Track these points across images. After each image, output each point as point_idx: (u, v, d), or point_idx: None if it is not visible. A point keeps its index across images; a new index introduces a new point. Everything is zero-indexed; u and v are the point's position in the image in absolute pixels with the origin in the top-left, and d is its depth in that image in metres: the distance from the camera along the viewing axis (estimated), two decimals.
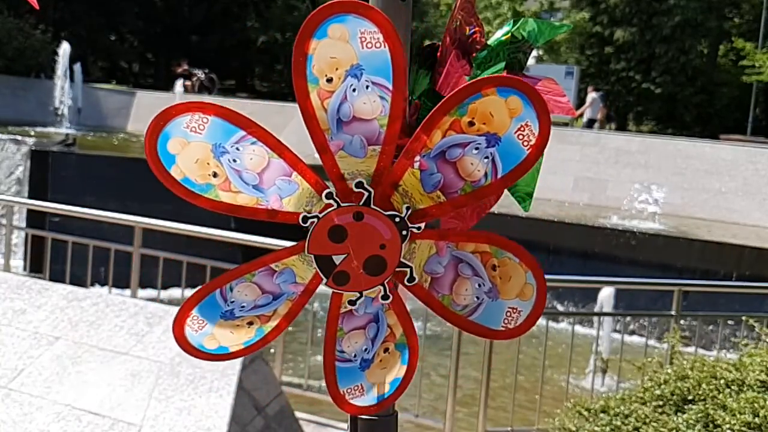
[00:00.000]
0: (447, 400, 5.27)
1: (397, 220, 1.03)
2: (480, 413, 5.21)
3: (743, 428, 3.15)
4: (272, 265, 1.06)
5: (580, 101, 22.73)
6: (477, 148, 1.00)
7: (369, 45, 0.96)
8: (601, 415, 3.53)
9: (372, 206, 1.02)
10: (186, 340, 1.06)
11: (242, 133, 1.00)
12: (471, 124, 0.99)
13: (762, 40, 26.58)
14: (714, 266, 10.87)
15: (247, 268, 1.06)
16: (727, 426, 3.18)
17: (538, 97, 0.99)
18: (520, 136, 0.99)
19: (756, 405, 3.22)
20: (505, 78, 1.00)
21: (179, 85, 21.86)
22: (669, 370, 3.71)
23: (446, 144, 1.00)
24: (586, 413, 3.61)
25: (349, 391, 1.10)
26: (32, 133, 15.23)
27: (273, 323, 1.08)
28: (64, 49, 19.53)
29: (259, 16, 32.47)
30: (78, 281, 5.51)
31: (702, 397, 3.41)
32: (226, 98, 22.78)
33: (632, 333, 9.03)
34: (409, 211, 1.03)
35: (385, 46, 0.96)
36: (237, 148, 1.00)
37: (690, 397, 3.45)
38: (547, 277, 1.08)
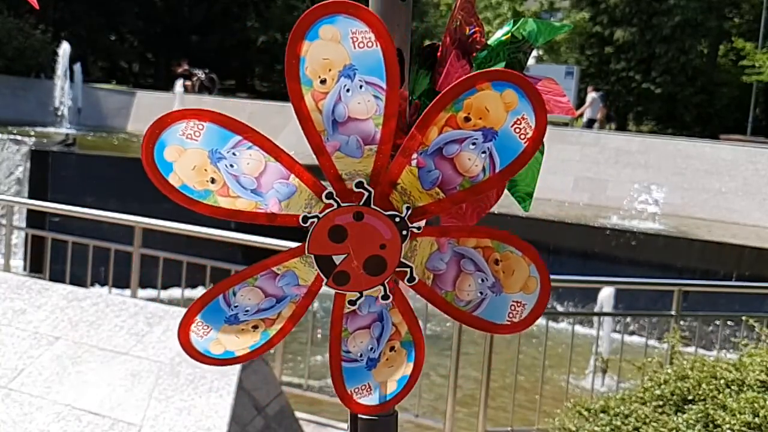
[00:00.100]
0: (447, 400, 5.27)
1: (398, 220, 1.03)
2: (480, 413, 5.21)
3: (743, 428, 3.15)
4: (274, 268, 1.06)
5: (580, 101, 22.73)
6: (474, 144, 1.00)
7: (361, 45, 0.96)
8: (601, 415, 3.53)
9: (372, 206, 1.02)
10: (192, 346, 1.06)
11: (238, 138, 1.00)
12: (467, 119, 0.99)
13: (762, 40, 26.59)
14: (714, 266, 10.86)
15: (249, 272, 1.06)
16: (727, 426, 3.18)
17: (534, 90, 0.98)
18: (517, 130, 0.99)
19: (756, 405, 3.22)
20: (500, 72, 1.00)
21: (179, 85, 21.84)
22: (669, 370, 3.71)
23: (443, 140, 1.00)
24: (586, 413, 3.61)
25: (356, 390, 1.10)
26: (32, 133, 15.20)
27: (278, 326, 1.08)
28: (64, 49, 19.51)
29: (259, 16, 32.46)
30: (78, 281, 5.50)
31: (702, 397, 3.41)
32: (226, 98, 22.79)
33: (632, 333, 9.02)
34: (410, 211, 1.03)
35: (377, 45, 0.96)
36: (233, 154, 1.01)
37: (690, 397, 3.45)
38: None
